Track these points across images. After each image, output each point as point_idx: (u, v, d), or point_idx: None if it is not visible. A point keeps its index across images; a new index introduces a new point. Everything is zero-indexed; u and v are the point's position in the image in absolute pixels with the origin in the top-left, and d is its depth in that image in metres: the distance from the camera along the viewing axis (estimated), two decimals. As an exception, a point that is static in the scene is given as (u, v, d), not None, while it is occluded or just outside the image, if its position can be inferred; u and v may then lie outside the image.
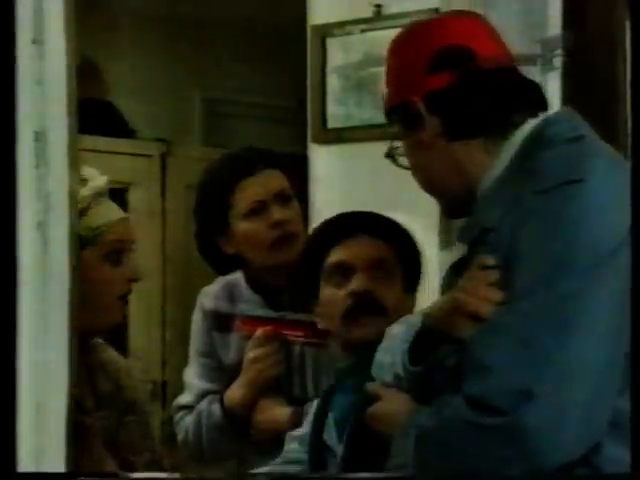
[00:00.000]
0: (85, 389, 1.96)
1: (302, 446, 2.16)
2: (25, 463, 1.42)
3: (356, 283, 2.08)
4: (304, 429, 2.19)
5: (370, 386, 1.80)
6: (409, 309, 2.14)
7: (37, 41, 1.47)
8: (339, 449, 2.04)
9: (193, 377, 2.56)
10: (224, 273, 2.59)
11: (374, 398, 1.78)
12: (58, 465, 1.46)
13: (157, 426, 2.42)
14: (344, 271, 2.11)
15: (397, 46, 1.80)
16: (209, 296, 2.58)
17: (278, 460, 2.19)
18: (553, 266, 1.51)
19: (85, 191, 1.99)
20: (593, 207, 1.53)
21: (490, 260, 1.59)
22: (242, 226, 2.46)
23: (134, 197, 4.65)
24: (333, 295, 2.11)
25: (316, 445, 2.10)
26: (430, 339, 1.66)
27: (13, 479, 1.41)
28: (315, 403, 2.21)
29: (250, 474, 2.13)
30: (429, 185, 1.79)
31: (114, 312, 2.03)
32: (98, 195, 2.02)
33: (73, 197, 1.52)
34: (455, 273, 1.71)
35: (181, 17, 4.97)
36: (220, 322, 2.54)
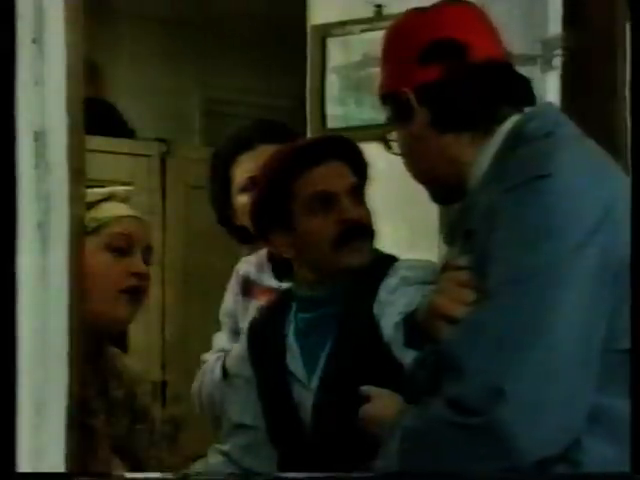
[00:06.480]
0: (92, 392, 1.96)
1: (228, 460, 2.16)
2: (25, 463, 1.42)
3: (346, 211, 2.06)
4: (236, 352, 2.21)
5: (362, 388, 1.81)
6: None
7: (37, 41, 1.47)
8: (313, 382, 2.05)
9: (217, 336, 2.61)
10: (246, 243, 2.64)
11: (365, 399, 1.79)
12: (58, 465, 1.46)
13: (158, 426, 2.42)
14: (325, 200, 2.08)
15: (392, 34, 1.81)
16: (244, 262, 2.64)
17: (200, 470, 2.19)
18: (522, 264, 1.51)
19: (99, 190, 2.06)
20: (559, 202, 1.53)
21: (462, 261, 1.60)
22: (239, 200, 2.52)
23: (134, 197, 4.64)
24: (317, 224, 2.08)
25: (275, 365, 2.10)
26: (418, 333, 1.67)
27: (13, 479, 1.41)
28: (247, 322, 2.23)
29: (251, 474, 2.12)
30: (419, 174, 1.80)
31: (116, 305, 2.01)
32: (111, 196, 2.10)
33: (73, 197, 1.52)
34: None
35: (181, 18, 4.97)
36: (245, 286, 2.59)
